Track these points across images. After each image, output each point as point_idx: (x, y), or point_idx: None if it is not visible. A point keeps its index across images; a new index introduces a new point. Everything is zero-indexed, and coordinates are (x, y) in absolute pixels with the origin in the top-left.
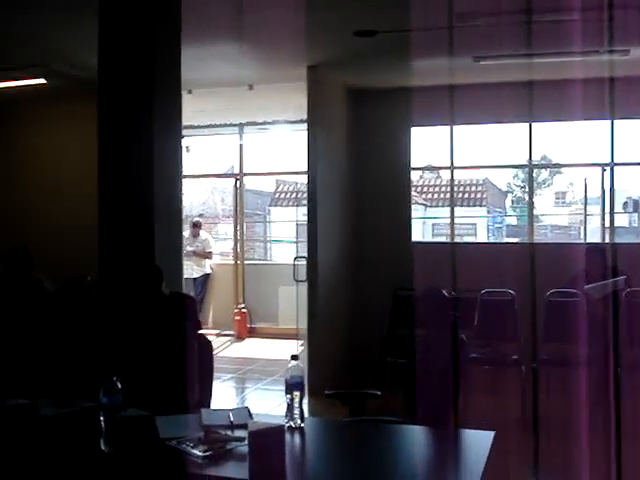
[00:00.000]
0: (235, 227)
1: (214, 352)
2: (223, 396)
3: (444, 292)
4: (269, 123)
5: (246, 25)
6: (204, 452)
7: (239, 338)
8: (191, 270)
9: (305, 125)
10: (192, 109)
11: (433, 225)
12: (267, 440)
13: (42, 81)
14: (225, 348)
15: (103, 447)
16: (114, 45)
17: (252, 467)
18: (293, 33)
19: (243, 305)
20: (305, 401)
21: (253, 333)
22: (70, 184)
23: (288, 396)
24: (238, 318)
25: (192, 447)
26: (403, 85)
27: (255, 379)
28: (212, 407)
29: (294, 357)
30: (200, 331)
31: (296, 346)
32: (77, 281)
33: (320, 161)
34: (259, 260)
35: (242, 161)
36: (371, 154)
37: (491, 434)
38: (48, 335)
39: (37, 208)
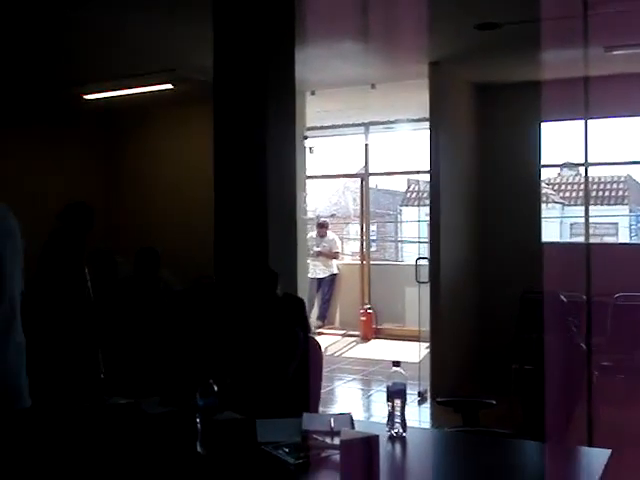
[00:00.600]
0: (361, 227)
1: (339, 352)
2: (345, 398)
3: (562, 296)
4: (392, 122)
5: (368, 24)
6: (297, 460)
7: (364, 339)
8: (318, 270)
9: (428, 123)
10: (316, 110)
11: (571, 225)
12: (359, 450)
13: (169, 86)
14: (350, 349)
15: (199, 449)
16: (228, 48)
17: (343, 478)
18: (415, 29)
19: (369, 306)
20: (427, 405)
21: (379, 334)
22: (195, 186)
23: (389, 404)
24: (364, 319)
25: (287, 453)
26: (530, 79)
27: (378, 381)
28: (328, 410)
29: (396, 363)
30: (319, 332)
31: (420, 348)
32: (204, 282)
33: (443, 160)
34: (389, 260)
35: (368, 161)
36: (498, 151)
37: (607, 452)
38: (169, 335)
39: (165, 208)
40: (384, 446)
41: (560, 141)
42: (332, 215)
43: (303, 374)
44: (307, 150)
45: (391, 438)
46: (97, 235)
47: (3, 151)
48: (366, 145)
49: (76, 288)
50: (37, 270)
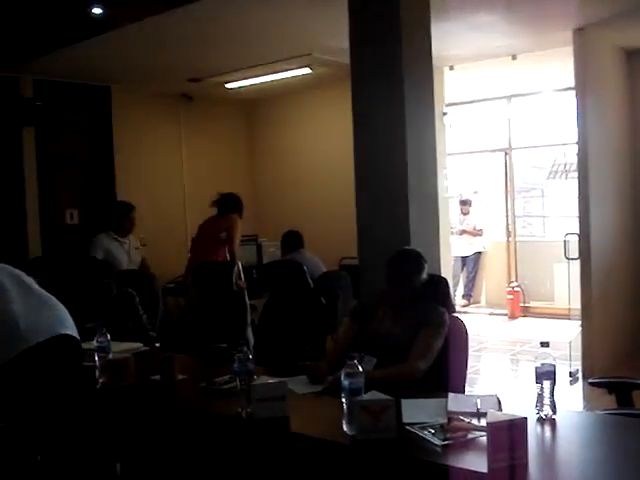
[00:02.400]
0: (506, 203)
1: (484, 332)
2: (491, 378)
3: None
4: (535, 93)
5: None
6: (443, 441)
7: (511, 317)
8: (462, 248)
9: (574, 93)
10: (455, 85)
11: None
12: (507, 433)
13: (307, 70)
14: (497, 327)
15: (345, 429)
16: (363, 28)
17: (490, 461)
18: None
19: (516, 283)
20: (579, 386)
21: (527, 312)
22: (335, 167)
23: (538, 385)
24: (511, 297)
25: (433, 434)
26: None
27: (526, 361)
28: (474, 391)
29: (544, 344)
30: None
31: (570, 327)
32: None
33: (591, 130)
34: (535, 236)
35: (511, 134)
36: None
37: None
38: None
39: (306, 191)
40: (532, 428)
41: None
42: (475, 192)
43: (447, 354)
44: (447, 126)
45: (540, 420)
46: (245, 221)
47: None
48: (508, 119)
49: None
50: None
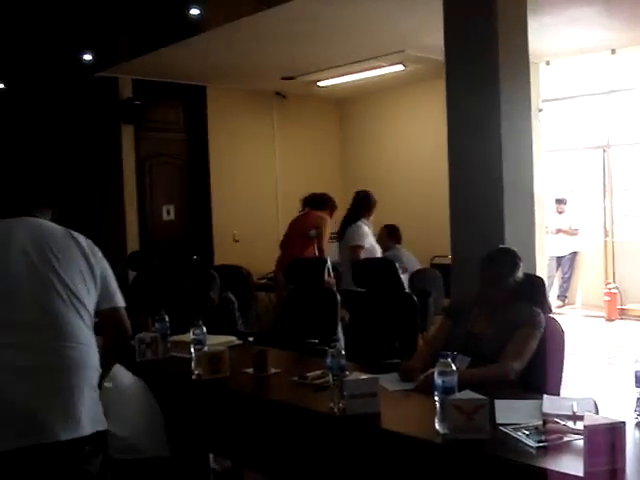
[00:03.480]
0: (603, 202)
1: (580, 334)
2: (588, 381)
3: None
4: (634, 89)
5: None
6: (538, 442)
7: (608, 320)
8: (558, 248)
9: None
10: (551, 80)
11: None
12: (604, 437)
13: (400, 67)
14: (593, 330)
15: (437, 427)
16: (458, 23)
17: (587, 464)
18: None
19: (614, 285)
20: None
21: (624, 315)
22: (429, 164)
23: (638, 389)
24: (608, 299)
25: (527, 436)
26: None
27: (625, 364)
28: (570, 393)
29: None
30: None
31: None
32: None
33: None
34: (634, 237)
35: (609, 131)
36: None
37: None
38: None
39: (399, 188)
40: (631, 433)
41: None
42: (572, 190)
43: (543, 355)
44: (543, 123)
45: (639, 425)
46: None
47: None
48: (607, 115)
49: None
50: None
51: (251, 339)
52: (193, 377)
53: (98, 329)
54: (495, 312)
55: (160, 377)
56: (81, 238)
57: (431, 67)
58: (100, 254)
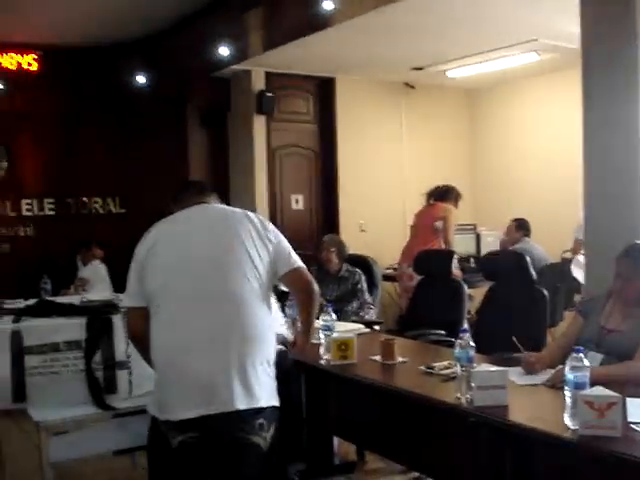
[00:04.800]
0: None
1: None
2: None
3: None
4: None
5: None
6: None
7: None
8: None
9: None
10: None
11: None
12: None
13: (534, 56)
14: None
15: (566, 421)
16: (595, 10)
17: None
18: None
19: None
20: None
21: None
22: (562, 155)
23: None
24: None
25: None
26: None
27: None
28: None
29: None
30: None
31: None
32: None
33: None
34: None
35: None
36: None
37: None
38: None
39: (530, 180)
40: None
41: None
42: None
43: None
44: None
45: None
46: (464, 210)
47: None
48: None
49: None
50: None
51: (378, 328)
52: (322, 362)
53: None
54: (629, 309)
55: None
56: (252, 215)
57: (566, 56)
58: (272, 226)
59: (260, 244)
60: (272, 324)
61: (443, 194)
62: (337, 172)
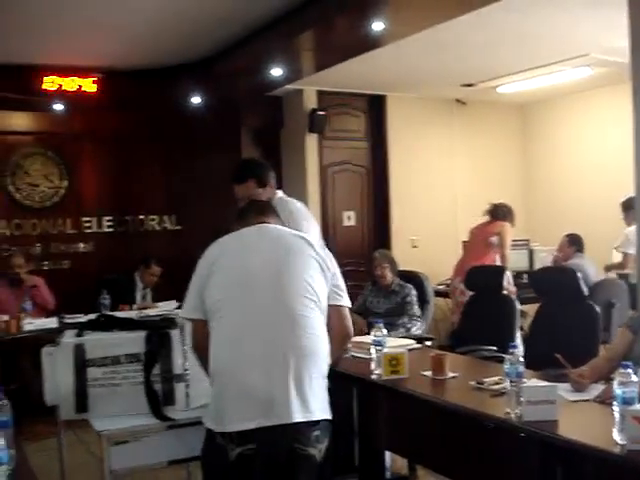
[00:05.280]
0: None
1: None
2: None
3: None
4: None
5: None
6: None
7: None
8: None
9: None
10: None
11: None
12: None
13: (587, 71)
14: None
15: (616, 437)
16: None
17: None
18: None
19: None
20: None
21: None
22: (614, 170)
23: None
24: None
25: None
26: None
27: None
28: None
29: None
30: None
31: None
32: None
33: None
34: None
35: None
36: None
37: None
38: None
39: (582, 194)
40: None
41: None
42: None
43: None
44: None
45: None
46: (516, 226)
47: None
48: None
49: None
50: None
51: (429, 343)
52: (373, 377)
53: None
54: None
55: (340, 375)
56: (312, 239)
57: (617, 70)
58: (330, 255)
59: (318, 268)
60: (326, 341)
61: (500, 212)
62: (389, 189)
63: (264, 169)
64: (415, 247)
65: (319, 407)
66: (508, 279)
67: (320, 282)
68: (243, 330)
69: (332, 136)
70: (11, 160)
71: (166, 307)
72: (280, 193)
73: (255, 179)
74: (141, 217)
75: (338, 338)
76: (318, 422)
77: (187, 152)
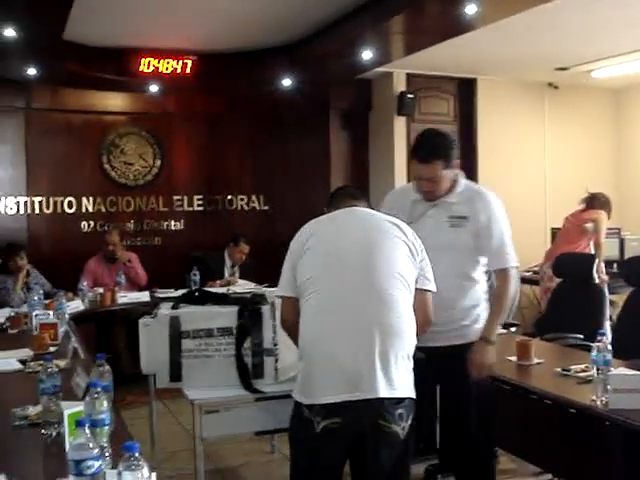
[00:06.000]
0: None
1: None
2: None
3: None
4: None
5: None
6: None
7: None
8: None
9: None
10: None
11: None
12: None
13: None
14: None
15: None
16: None
17: None
18: None
19: None
20: None
21: None
22: None
23: None
24: None
25: None
26: None
27: None
28: None
29: None
30: None
31: None
32: None
33: None
34: None
35: None
36: None
37: None
38: None
39: None
40: None
41: None
42: None
43: None
44: None
45: None
46: None
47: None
48: None
49: None
50: None
51: (514, 329)
52: None
53: None
54: None
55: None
56: (403, 225)
57: None
58: (419, 241)
59: (407, 251)
60: (413, 321)
61: (597, 201)
62: (477, 173)
63: (451, 147)
64: None
65: (404, 385)
66: (601, 268)
67: (408, 265)
68: (332, 307)
69: (421, 119)
70: (107, 139)
71: (245, 285)
72: (462, 176)
73: (443, 160)
74: (230, 197)
75: (419, 322)
76: (403, 400)
77: (276, 134)
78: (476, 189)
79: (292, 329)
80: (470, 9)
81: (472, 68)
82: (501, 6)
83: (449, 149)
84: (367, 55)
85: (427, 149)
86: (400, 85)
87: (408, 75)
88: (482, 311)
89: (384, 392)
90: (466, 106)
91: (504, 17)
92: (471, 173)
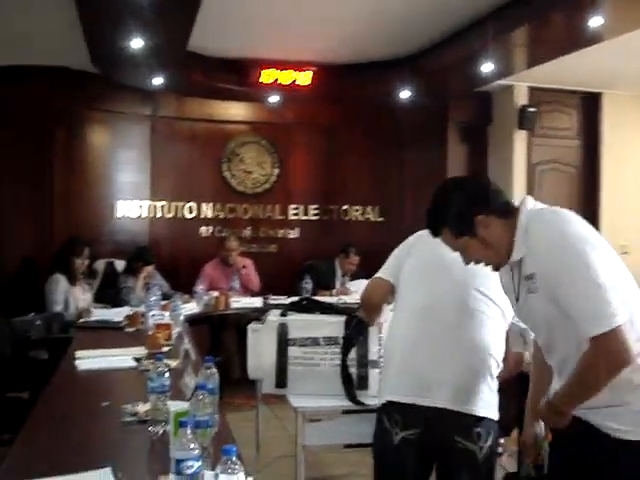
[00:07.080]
0: None
1: None
2: None
3: None
4: None
5: None
6: None
7: None
8: None
9: None
10: None
11: None
12: None
13: None
14: None
15: None
16: None
17: None
18: None
19: None
20: None
21: None
22: None
23: None
24: None
25: None
26: None
27: None
28: None
29: None
30: None
31: None
32: None
33: None
34: None
35: None
36: None
37: None
38: None
39: None
40: None
41: None
42: None
43: None
44: None
45: None
46: None
47: None
48: None
49: None
50: None
51: None
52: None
53: None
54: None
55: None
56: None
57: None
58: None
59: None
60: (501, 344)
61: None
62: (599, 191)
63: (464, 205)
64: (626, 253)
65: (482, 404)
66: None
67: (500, 296)
68: (416, 316)
69: (542, 133)
70: (228, 147)
71: (358, 284)
72: (524, 212)
73: (449, 227)
74: (345, 207)
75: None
76: (481, 419)
77: (393, 146)
78: (525, 222)
79: (373, 309)
80: (595, 21)
81: (597, 82)
82: (627, 19)
83: (458, 208)
84: (488, 67)
85: (431, 216)
86: (521, 98)
87: (530, 88)
88: None
89: (458, 405)
90: (590, 121)
91: (630, 30)
92: (592, 190)
